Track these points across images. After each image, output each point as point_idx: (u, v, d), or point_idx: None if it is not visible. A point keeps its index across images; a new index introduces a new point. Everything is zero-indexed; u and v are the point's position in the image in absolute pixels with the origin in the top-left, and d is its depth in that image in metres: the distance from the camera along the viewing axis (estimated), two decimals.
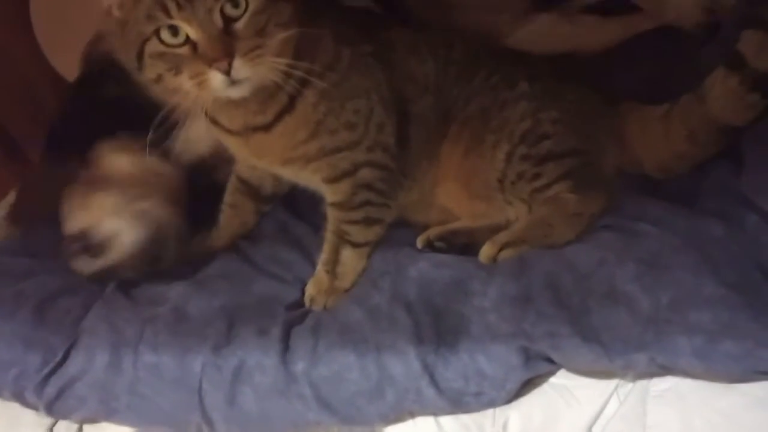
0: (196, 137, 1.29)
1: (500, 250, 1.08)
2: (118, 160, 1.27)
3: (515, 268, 1.03)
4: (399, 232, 1.18)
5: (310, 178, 1.14)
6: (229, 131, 1.09)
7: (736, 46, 1.05)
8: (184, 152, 1.31)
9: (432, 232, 1.14)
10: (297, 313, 1.11)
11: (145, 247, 1.21)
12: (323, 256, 1.14)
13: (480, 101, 1.13)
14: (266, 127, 1.05)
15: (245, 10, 0.92)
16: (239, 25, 0.92)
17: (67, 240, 1.23)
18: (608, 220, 1.08)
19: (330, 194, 1.13)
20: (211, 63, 0.91)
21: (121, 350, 1.08)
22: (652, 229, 1.02)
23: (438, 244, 1.13)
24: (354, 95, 1.06)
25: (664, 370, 0.91)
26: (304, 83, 1.02)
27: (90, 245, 1.21)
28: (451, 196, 1.17)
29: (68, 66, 1.76)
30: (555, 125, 1.11)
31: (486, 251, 1.08)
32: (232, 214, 1.30)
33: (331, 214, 1.14)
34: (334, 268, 1.12)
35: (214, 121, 1.09)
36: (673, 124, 1.13)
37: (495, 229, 1.13)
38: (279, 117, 1.04)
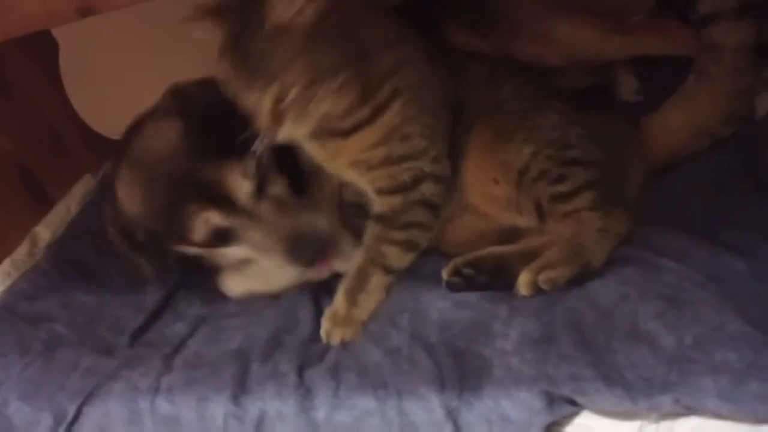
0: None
1: (537, 275, 1.05)
2: None
3: (537, 305, 1.03)
4: (416, 268, 1.17)
5: (366, 186, 1.16)
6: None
7: None
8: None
9: (459, 260, 1.13)
10: (313, 350, 1.11)
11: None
12: (348, 283, 1.13)
13: (522, 103, 1.17)
14: (344, 134, 1.09)
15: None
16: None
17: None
18: (629, 253, 1.07)
19: (378, 205, 1.14)
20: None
21: (139, 404, 1.09)
22: (674, 264, 1.01)
23: (466, 270, 1.11)
24: (426, 111, 1.11)
25: (690, 411, 0.90)
26: (394, 96, 1.08)
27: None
28: (470, 183, 1.18)
29: (95, 116, 1.83)
30: (580, 139, 1.13)
31: (524, 279, 1.06)
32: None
33: (372, 232, 1.14)
34: (356, 296, 1.12)
35: None
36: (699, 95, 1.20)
37: (523, 254, 1.12)
38: (358, 126, 1.09)
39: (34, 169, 1.68)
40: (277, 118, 1.01)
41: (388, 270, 1.13)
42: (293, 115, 1.01)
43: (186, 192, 1.14)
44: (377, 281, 1.12)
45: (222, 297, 1.31)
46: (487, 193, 1.16)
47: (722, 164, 1.20)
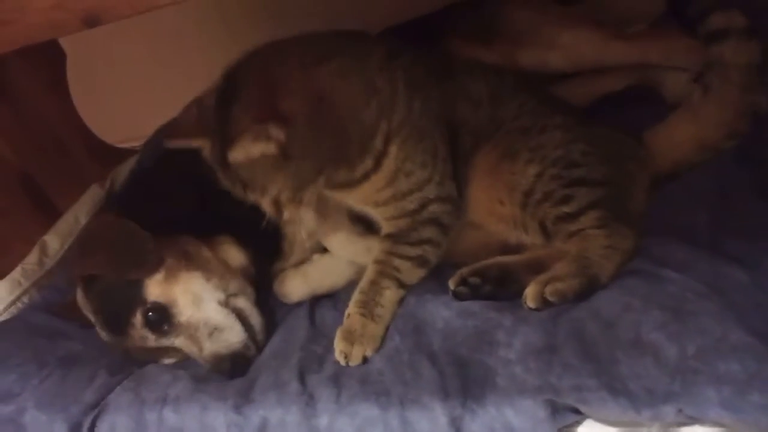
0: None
1: (545, 287, 1.05)
2: (232, 251, 1.30)
3: (541, 315, 1.03)
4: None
5: (375, 216, 1.18)
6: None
7: None
8: None
9: (465, 270, 1.13)
10: (311, 354, 1.12)
11: (238, 348, 1.19)
12: (360, 297, 1.12)
13: (525, 121, 1.17)
14: (353, 184, 1.11)
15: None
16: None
17: (142, 308, 1.20)
18: (632, 264, 1.07)
19: (386, 227, 1.16)
20: None
21: (146, 415, 1.10)
22: (676, 274, 1.01)
23: (472, 279, 1.12)
24: (423, 138, 1.12)
25: (693, 421, 0.90)
26: (388, 141, 1.09)
27: (164, 322, 1.19)
28: (475, 203, 1.18)
29: (101, 124, 1.84)
30: (585, 157, 1.13)
31: (531, 291, 1.06)
32: None
33: (382, 248, 1.15)
34: (373, 310, 1.10)
35: None
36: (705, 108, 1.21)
37: (528, 264, 1.12)
38: (366, 176, 1.10)
39: (37, 177, 1.70)
40: (279, 207, 1.07)
41: (401, 284, 1.13)
42: (292, 207, 1.07)
43: None
44: (391, 295, 1.12)
45: None
46: (493, 213, 1.17)
47: (725, 171, 1.20)
